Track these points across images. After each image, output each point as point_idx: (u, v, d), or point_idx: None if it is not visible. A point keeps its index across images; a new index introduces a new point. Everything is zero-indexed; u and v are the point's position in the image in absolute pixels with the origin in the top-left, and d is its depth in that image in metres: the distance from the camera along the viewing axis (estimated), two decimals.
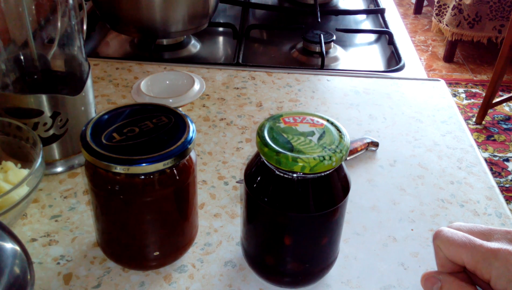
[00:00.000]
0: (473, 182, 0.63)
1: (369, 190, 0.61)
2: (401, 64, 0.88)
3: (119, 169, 0.42)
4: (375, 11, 1.10)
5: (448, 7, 2.66)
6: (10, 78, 0.58)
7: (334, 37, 0.93)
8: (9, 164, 0.55)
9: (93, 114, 0.62)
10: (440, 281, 0.39)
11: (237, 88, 0.79)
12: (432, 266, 0.52)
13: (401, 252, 0.53)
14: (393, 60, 0.92)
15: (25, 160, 0.56)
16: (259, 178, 0.44)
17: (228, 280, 0.50)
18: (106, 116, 0.46)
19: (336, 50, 0.94)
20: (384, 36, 1.00)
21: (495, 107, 2.47)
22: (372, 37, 1.02)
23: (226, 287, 0.49)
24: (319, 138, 0.42)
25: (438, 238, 0.39)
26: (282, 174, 0.42)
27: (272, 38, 1.02)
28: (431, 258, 0.52)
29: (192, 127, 0.46)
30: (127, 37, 0.96)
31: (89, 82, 0.60)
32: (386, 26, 1.02)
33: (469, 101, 2.57)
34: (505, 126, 2.42)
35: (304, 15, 1.09)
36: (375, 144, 0.67)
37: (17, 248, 0.34)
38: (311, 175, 0.41)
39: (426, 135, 0.71)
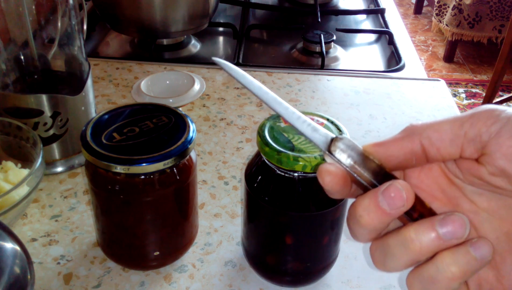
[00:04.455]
0: None
1: None
2: (401, 64, 0.88)
3: (119, 169, 0.42)
4: (375, 11, 1.10)
5: (448, 7, 2.66)
6: (10, 78, 0.58)
7: (334, 37, 0.93)
8: (9, 164, 0.55)
9: (93, 114, 0.62)
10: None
11: (237, 88, 0.79)
12: None
13: None
14: (393, 60, 0.92)
15: (25, 160, 0.56)
16: (259, 178, 0.44)
17: (228, 280, 0.49)
18: (106, 116, 0.46)
19: (336, 50, 0.94)
20: (384, 36, 1.00)
21: None
22: (372, 37, 1.02)
23: (226, 287, 0.49)
24: None
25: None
26: (283, 174, 0.42)
27: (272, 38, 1.02)
28: None
29: (192, 127, 0.46)
30: (127, 37, 0.96)
31: (89, 82, 0.60)
32: (386, 26, 1.02)
33: (469, 101, 2.57)
34: None
35: (304, 15, 1.09)
36: None
37: (17, 248, 0.34)
38: (312, 174, 0.41)
39: None
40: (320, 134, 0.30)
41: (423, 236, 0.27)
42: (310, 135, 0.30)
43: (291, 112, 0.31)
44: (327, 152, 0.29)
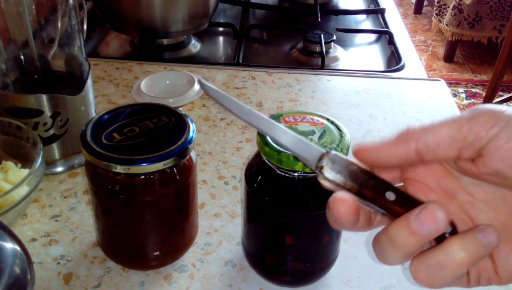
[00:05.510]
0: None
1: None
2: (401, 64, 0.88)
3: (119, 169, 0.42)
4: (375, 11, 1.10)
5: (448, 7, 2.66)
6: (10, 78, 0.58)
7: (334, 37, 0.93)
8: (9, 164, 0.55)
9: (93, 114, 0.62)
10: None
11: (237, 88, 0.79)
12: None
13: None
14: (393, 60, 0.92)
15: (25, 160, 0.56)
16: (259, 178, 0.44)
17: (228, 280, 0.49)
18: (106, 116, 0.46)
19: (336, 50, 0.94)
20: (384, 36, 1.00)
21: None
22: (372, 37, 1.02)
23: (226, 287, 0.49)
24: (320, 137, 0.42)
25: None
26: (283, 173, 0.42)
27: (272, 38, 1.02)
28: None
29: (192, 127, 0.46)
30: (127, 37, 0.96)
31: (89, 82, 0.60)
32: (386, 26, 1.02)
33: (469, 101, 2.57)
34: None
35: (304, 15, 1.09)
36: None
37: (17, 248, 0.34)
38: (312, 174, 0.41)
39: None
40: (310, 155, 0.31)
41: (401, 232, 0.27)
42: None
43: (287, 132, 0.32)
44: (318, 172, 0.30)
